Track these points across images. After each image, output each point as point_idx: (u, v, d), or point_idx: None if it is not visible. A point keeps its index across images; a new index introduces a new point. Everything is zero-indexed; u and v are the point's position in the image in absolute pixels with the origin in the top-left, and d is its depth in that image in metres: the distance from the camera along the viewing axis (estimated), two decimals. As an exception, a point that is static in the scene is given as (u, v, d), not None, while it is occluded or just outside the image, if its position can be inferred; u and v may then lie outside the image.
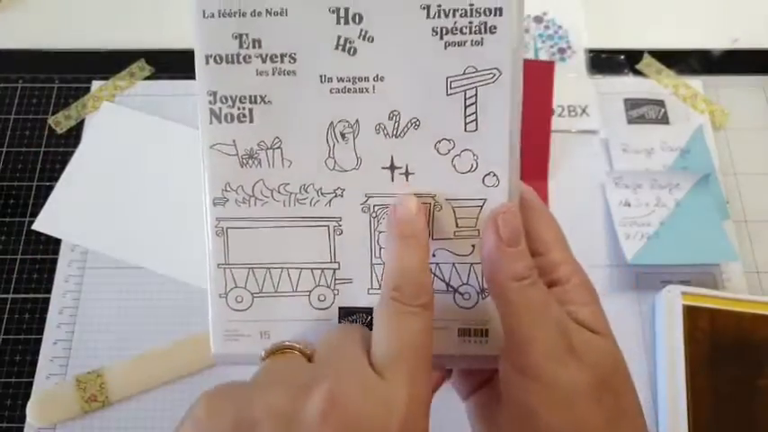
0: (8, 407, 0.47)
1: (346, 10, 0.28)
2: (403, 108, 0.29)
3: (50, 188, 0.55)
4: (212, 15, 0.29)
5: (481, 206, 0.29)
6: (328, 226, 0.30)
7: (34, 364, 0.49)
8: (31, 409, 0.46)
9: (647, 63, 0.60)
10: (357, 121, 0.29)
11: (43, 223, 0.53)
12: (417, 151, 0.29)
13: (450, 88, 0.28)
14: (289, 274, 0.30)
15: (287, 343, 0.27)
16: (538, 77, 0.57)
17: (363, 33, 0.28)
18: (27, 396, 0.47)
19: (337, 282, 0.30)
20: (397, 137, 0.29)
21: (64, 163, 0.56)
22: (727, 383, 0.46)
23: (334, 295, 0.30)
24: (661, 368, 0.47)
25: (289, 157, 0.29)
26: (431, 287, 0.28)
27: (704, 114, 0.58)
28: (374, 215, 0.29)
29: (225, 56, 0.29)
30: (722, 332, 0.47)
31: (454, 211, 0.29)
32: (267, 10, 0.28)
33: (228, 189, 0.29)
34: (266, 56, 0.29)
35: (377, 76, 0.29)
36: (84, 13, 0.63)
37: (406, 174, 0.29)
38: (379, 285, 0.29)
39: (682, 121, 0.58)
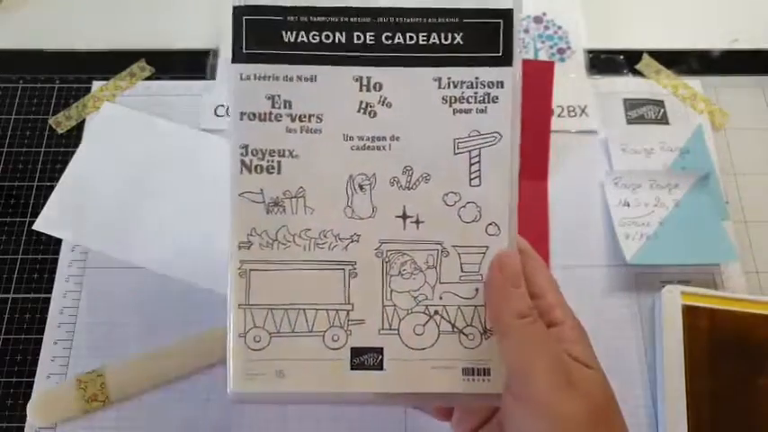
0: (8, 407, 0.48)
1: (368, 79, 0.32)
2: (415, 164, 0.32)
3: (50, 188, 0.55)
4: (248, 78, 0.32)
5: (484, 253, 0.32)
6: (344, 269, 0.32)
7: (35, 363, 0.49)
8: (31, 408, 0.46)
9: (646, 63, 0.60)
10: (374, 174, 0.32)
11: (43, 223, 0.53)
12: (427, 202, 0.32)
13: (457, 148, 0.32)
14: (305, 315, 0.32)
15: None
16: (538, 77, 0.56)
17: (383, 99, 0.32)
18: (27, 396, 0.47)
19: (350, 322, 0.32)
20: (409, 189, 0.32)
21: (64, 163, 0.56)
22: (726, 383, 0.46)
23: (347, 335, 0.32)
24: (660, 368, 0.47)
25: (311, 205, 0.32)
26: None
27: (703, 114, 0.58)
28: (387, 260, 0.32)
29: (258, 113, 0.32)
30: (721, 332, 0.47)
31: (459, 257, 0.32)
32: (298, 76, 0.32)
33: (254, 234, 0.32)
34: (296, 115, 0.32)
35: (393, 135, 0.32)
36: (84, 13, 0.64)
37: (417, 222, 0.32)
38: (390, 326, 0.31)
39: (681, 121, 0.58)
